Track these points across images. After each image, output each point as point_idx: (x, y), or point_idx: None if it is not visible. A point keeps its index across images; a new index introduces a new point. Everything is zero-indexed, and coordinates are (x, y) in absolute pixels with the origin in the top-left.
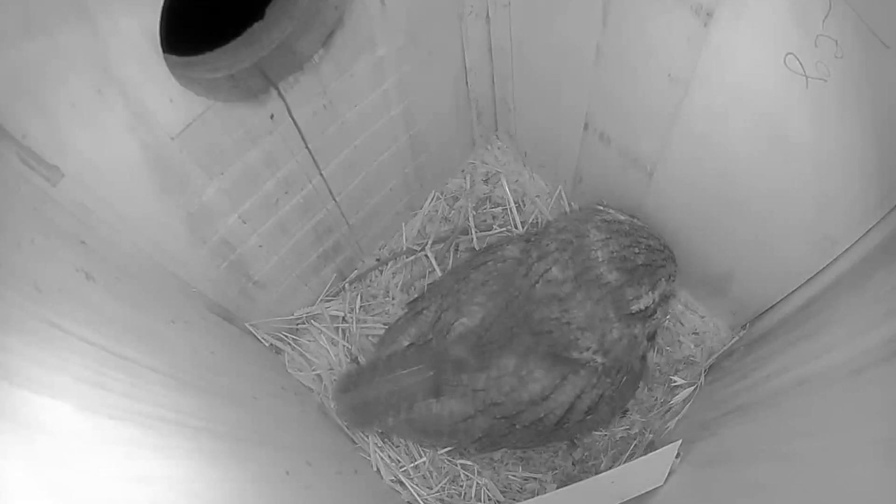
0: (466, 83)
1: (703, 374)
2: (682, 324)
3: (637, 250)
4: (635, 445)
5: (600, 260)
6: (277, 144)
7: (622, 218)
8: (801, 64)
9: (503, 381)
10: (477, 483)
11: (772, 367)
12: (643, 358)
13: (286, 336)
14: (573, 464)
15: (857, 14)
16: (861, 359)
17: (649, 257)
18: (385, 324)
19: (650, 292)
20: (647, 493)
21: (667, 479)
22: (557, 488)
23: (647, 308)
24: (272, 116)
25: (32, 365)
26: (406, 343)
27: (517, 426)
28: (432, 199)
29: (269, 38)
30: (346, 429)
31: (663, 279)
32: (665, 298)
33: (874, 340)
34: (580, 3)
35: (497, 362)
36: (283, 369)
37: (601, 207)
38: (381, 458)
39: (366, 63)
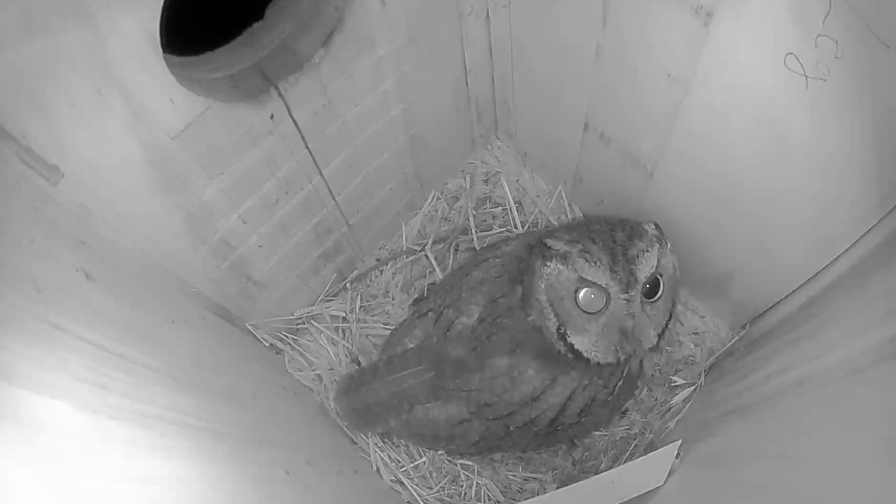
0: (466, 83)
1: (703, 374)
2: (681, 324)
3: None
4: (635, 445)
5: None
6: (277, 144)
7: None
8: (801, 64)
9: (496, 383)
10: (477, 483)
11: (772, 367)
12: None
13: (286, 336)
14: (573, 464)
15: (857, 14)
16: (861, 359)
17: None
18: (385, 324)
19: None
20: (647, 493)
21: (667, 479)
22: (557, 488)
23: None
24: (272, 116)
25: (32, 365)
26: (411, 346)
27: (511, 428)
28: (432, 199)
29: (269, 38)
30: (346, 429)
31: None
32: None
33: (874, 340)
34: (580, 3)
35: (490, 363)
36: (283, 369)
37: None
38: (381, 458)
39: (366, 63)
